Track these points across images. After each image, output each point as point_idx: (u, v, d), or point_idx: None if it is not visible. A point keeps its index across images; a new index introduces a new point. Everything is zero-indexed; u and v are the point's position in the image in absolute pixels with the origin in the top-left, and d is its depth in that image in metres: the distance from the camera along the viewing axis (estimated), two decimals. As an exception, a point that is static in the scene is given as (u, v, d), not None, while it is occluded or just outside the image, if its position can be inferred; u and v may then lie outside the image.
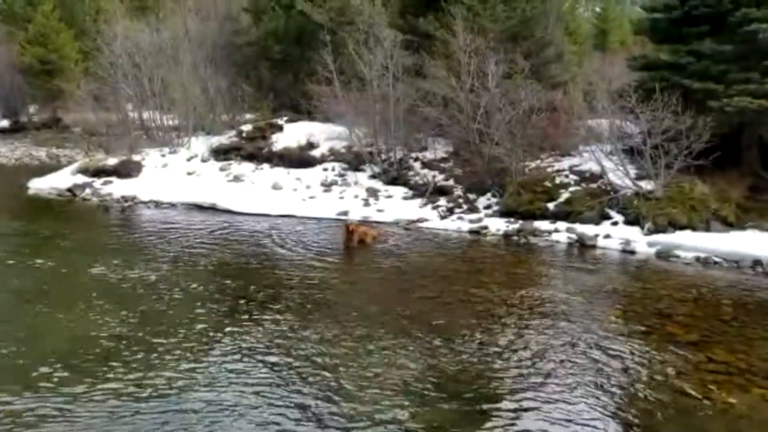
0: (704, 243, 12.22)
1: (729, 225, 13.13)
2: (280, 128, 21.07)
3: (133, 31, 23.51)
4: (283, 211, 16.06)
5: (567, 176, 15.53)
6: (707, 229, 12.95)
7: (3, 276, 11.00)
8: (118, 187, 18.57)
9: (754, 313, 9.24)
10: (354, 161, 18.87)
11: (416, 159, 18.35)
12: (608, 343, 8.11)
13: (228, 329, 8.40)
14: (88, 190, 18.52)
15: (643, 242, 12.74)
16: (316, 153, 19.69)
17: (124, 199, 17.81)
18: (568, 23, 31.70)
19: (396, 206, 16.19)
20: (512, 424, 6.28)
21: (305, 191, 17.78)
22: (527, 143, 16.00)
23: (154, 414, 6.29)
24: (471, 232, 14.27)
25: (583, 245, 13.04)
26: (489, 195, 15.97)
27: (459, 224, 14.71)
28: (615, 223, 13.73)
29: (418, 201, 16.39)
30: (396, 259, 12.22)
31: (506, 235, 13.93)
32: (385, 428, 6.12)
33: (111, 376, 7.05)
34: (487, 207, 15.60)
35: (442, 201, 16.13)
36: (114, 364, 7.34)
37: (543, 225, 14.02)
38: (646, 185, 13.96)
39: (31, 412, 6.31)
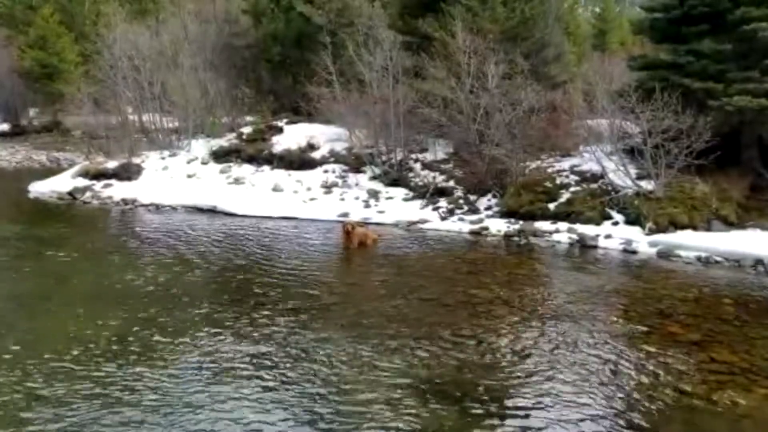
0: (705, 242, 12.20)
1: (730, 224, 13.12)
2: (280, 130, 21.09)
3: (132, 34, 23.53)
4: (284, 213, 16.06)
5: (567, 176, 15.54)
6: (708, 229, 12.93)
7: (3, 279, 10.99)
8: (118, 190, 18.58)
9: (755, 313, 9.22)
10: (354, 163, 18.87)
11: (416, 160, 18.35)
12: (610, 344, 8.10)
13: (228, 332, 8.39)
14: (88, 193, 18.54)
15: (644, 242, 12.73)
16: (316, 155, 19.70)
17: (125, 201, 17.83)
18: (568, 23, 31.76)
19: (397, 207, 16.19)
20: (514, 425, 6.26)
21: (306, 193, 17.79)
22: (527, 144, 16.00)
23: (155, 416, 6.29)
24: (472, 233, 14.26)
25: (584, 245, 13.03)
26: (489, 196, 15.96)
27: (460, 225, 14.70)
28: (616, 223, 13.72)
29: (419, 202, 16.39)
30: (397, 260, 12.22)
31: (507, 236, 13.92)
32: (385, 430, 6.11)
33: (111, 378, 7.04)
34: (488, 208, 15.59)
35: (443, 202, 16.12)
36: (114, 366, 7.33)
37: (544, 225, 14.01)
38: (647, 185, 13.95)
39: (29, 415, 6.30)
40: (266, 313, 9.09)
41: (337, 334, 8.31)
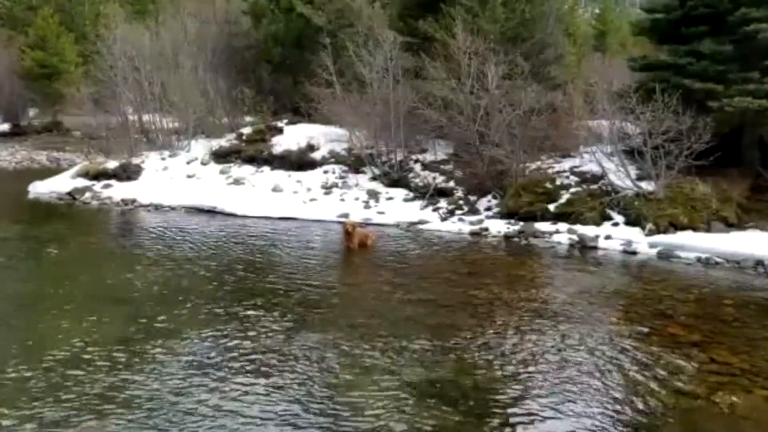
0: (705, 243, 12.19)
1: (730, 225, 13.11)
2: (280, 131, 21.07)
3: (132, 35, 23.52)
4: (284, 213, 16.04)
5: (567, 177, 15.52)
6: (708, 230, 12.92)
7: (2, 279, 10.98)
8: (118, 191, 18.56)
9: (755, 314, 9.22)
10: (354, 163, 18.85)
11: (417, 161, 18.33)
12: (610, 345, 8.09)
13: (227, 332, 8.38)
14: (88, 194, 18.51)
15: (644, 243, 12.72)
16: (316, 155, 19.67)
17: (124, 202, 17.81)
18: (568, 25, 31.71)
19: (397, 208, 16.17)
20: (513, 426, 6.25)
21: (306, 194, 17.77)
22: (527, 144, 15.98)
23: (152, 415, 6.27)
24: (472, 233, 14.25)
25: (584, 246, 13.02)
26: (489, 197, 15.95)
27: (460, 226, 14.69)
28: (616, 224, 13.71)
29: (419, 203, 16.37)
30: (397, 261, 12.21)
31: (507, 237, 13.91)
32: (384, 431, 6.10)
33: (109, 377, 7.03)
34: (488, 209, 15.58)
35: (443, 203, 16.12)
36: (112, 365, 7.32)
37: (544, 226, 14.00)
38: (647, 186, 13.94)
39: (29, 417, 6.29)
40: (265, 313, 9.08)
41: (336, 335, 8.29)
